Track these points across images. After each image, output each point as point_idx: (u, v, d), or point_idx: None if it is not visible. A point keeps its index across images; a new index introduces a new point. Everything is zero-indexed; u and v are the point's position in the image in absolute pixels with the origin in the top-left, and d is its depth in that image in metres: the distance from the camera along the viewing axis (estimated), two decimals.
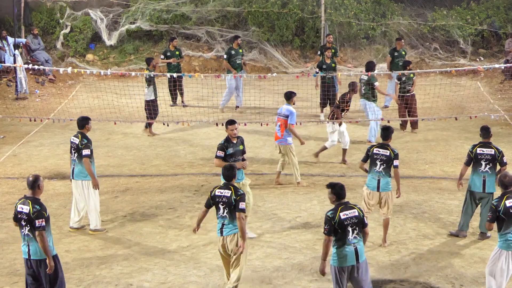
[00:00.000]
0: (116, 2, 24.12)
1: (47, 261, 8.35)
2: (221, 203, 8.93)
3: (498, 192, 9.09)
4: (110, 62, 23.57)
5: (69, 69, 17.09)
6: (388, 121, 15.57)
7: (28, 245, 8.44)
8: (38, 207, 8.32)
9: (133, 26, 23.61)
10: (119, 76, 21.08)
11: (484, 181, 10.93)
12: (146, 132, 17.37)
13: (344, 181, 13.62)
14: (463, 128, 17.37)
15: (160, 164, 15.22)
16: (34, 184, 8.47)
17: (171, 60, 19.41)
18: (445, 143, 16.50)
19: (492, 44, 24.02)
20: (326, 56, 18.24)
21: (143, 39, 24.24)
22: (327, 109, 18.30)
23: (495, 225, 8.87)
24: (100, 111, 18.44)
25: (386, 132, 10.83)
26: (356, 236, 8.28)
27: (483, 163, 10.92)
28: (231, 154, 10.90)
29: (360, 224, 8.31)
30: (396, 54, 19.05)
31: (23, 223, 8.41)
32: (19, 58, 20.68)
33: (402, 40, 19.95)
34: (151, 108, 17.04)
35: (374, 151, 10.69)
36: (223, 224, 8.98)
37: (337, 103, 15.26)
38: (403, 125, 17.33)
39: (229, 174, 9.10)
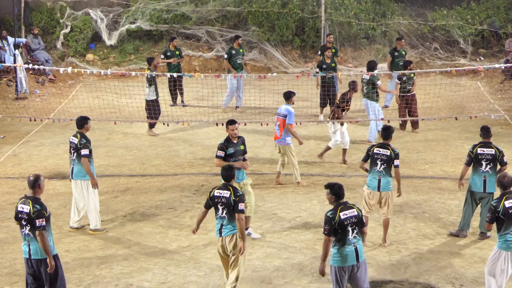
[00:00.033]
0: (116, 2, 24.12)
1: (47, 260, 8.35)
2: (220, 203, 8.91)
3: (498, 192, 9.08)
4: (110, 62, 23.57)
5: (69, 69, 17.10)
6: (388, 121, 15.59)
7: (29, 245, 8.44)
8: (38, 206, 8.32)
9: (133, 26, 23.61)
10: (119, 76, 21.08)
11: (484, 181, 10.93)
12: (151, 132, 17.37)
13: (344, 181, 13.66)
14: (463, 128, 17.37)
15: (160, 164, 15.22)
16: (35, 183, 8.47)
17: (171, 60, 19.40)
18: (445, 143, 16.50)
19: (492, 44, 24.02)
20: (326, 56, 18.24)
21: (143, 39, 24.24)
22: (327, 109, 18.31)
23: (494, 226, 8.88)
24: (100, 111, 18.44)
25: (387, 132, 10.84)
26: (356, 235, 8.30)
27: (484, 163, 10.92)
28: (231, 154, 10.90)
29: (359, 223, 8.33)
30: (396, 54, 19.05)
31: (24, 223, 8.41)
32: (19, 58, 20.68)
33: (403, 40, 19.95)
34: (152, 108, 17.03)
35: (375, 151, 10.69)
36: (222, 225, 8.97)
37: (338, 102, 15.24)
38: (402, 125, 17.33)
39: (228, 174, 9.08)
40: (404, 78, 16.90)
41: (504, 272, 8.75)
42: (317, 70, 18.18)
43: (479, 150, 10.96)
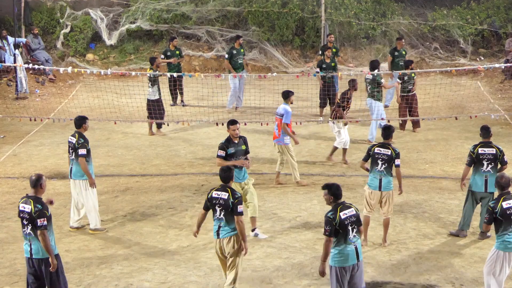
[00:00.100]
0: (116, 1, 24.12)
1: (49, 260, 8.36)
2: (218, 205, 8.86)
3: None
4: (110, 62, 23.57)
5: (69, 69, 17.11)
6: (388, 121, 15.58)
7: (30, 244, 8.44)
8: (39, 206, 8.32)
9: (133, 26, 23.61)
10: (119, 75, 21.08)
11: (486, 181, 10.91)
12: (159, 132, 17.38)
13: (344, 181, 13.68)
14: (463, 128, 17.37)
15: (160, 164, 15.22)
16: (37, 183, 8.48)
17: (171, 60, 19.39)
18: (445, 142, 16.50)
19: (492, 43, 24.02)
20: (326, 56, 18.25)
21: (143, 38, 24.24)
22: (327, 109, 18.32)
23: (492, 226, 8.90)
24: (100, 110, 18.44)
25: (387, 131, 10.84)
26: (355, 234, 8.34)
27: (485, 163, 10.91)
28: (232, 153, 10.89)
29: (358, 222, 8.38)
30: (396, 53, 19.04)
31: (25, 222, 8.42)
32: (19, 58, 20.68)
33: (403, 40, 19.95)
34: (156, 108, 17.04)
35: (376, 151, 10.69)
36: (219, 226, 8.91)
37: (338, 102, 15.22)
38: (402, 125, 17.32)
39: (226, 175, 9.02)
40: (405, 78, 16.90)
41: (503, 272, 8.75)
42: (317, 70, 18.18)
43: (480, 150, 10.96)
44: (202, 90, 19.22)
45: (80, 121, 11.47)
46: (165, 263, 10.34)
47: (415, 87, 17.14)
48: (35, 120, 16.59)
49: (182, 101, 19.87)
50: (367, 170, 10.90)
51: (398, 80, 17.09)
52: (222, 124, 15.61)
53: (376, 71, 16.30)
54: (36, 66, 18.99)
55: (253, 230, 11.17)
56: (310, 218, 11.97)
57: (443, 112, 18.26)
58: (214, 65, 23.69)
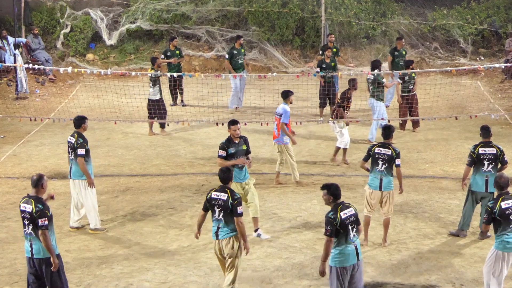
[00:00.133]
0: (116, 1, 24.12)
1: (51, 259, 8.37)
2: (217, 206, 8.83)
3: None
4: (110, 62, 23.57)
5: (69, 69, 17.11)
6: (388, 120, 15.58)
7: (31, 244, 8.45)
8: (41, 206, 8.33)
9: (133, 26, 23.61)
10: (119, 75, 21.07)
11: (486, 181, 10.90)
12: (163, 132, 17.39)
13: (344, 181, 13.69)
14: (463, 128, 17.38)
15: (160, 164, 15.22)
16: (38, 183, 8.48)
17: (172, 60, 19.38)
18: (445, 142, 16.50)
19: (492, 43, 24.02)
20: (326, 56, 18.25)
21: (143, 38, 24.25)
22: (327, 109, 18.32)
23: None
24: (100, 110, 18.44)
25: (388, 131, 10.84)
26: (355, 234, 8.36)
27: (486, 163, 10.91)
28: (232, 153, 10.89)
29: (357, 221, 8.40)
30: (396, 53, 19.04)
31: (26, 222, 8.42)
32: (19, 58, 20.68)
33: (403, 40, 19.94)
34: (157, 108, 17.06)
35: (376, 151, 10.69)
36: (218, 227, 8.88)
37: (338, 102, 15.20)
38: (402, 125, 17.32)
39: (225, 176, 9.00)
40: (406, 78, 16.89)
41: (502, 272, 8.75)
42: (318, 69, 18.17)
43: (481, 150, 10.95)
44: (202, 90, 19.23)
45: (79, 121, 11.48)
46: (165, 263, 10.34)
47: (416, 87, 17.14)
48: (35, 120, 16.59)
49: (182, 101, 19.87)
50: (367, 170, 10.91)
51: (399, 80, 17.10)
52: (222, 124, 15.62)
53: (376, 70, 16.30)
54: (36, 66, 18.98)
55: (256, 231, 11.16)
56: (310, 218, 11.97)
57: (443, 112, 18.26)
58: (214, 65, 23.69)
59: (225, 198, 8.80)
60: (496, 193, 9.09)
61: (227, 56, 19.39)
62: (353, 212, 8.35)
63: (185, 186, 13.77)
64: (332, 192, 8.34)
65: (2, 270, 10.21)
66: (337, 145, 14.94)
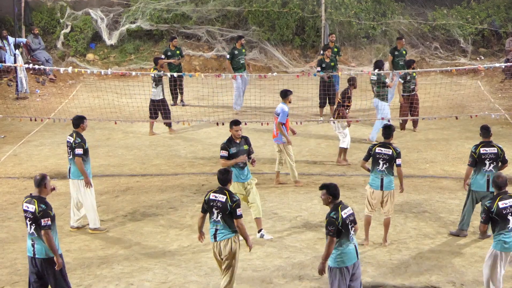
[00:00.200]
0: (116, 1, 24.12)
1: (54, 259, 8.37)
2: (215, 207, 8.80)
3: None
4: (110, 62, 23.57)
5: (70, 69, 17.11)
6: (389, 120, 15.58)
7: (33, 244, 8.45)
8: (43, 206, 8.33)
9: (133, 26, 23.61)
10: (120, 75, 21.07)
11: (488, 180, 10.88)
12: (172, 132, 17.39)
13: (345, 181, 13.69)
14: (463, 127, 17.38)
15: (160, 164, 15.22)
16: (41, 182, 8.49)
17: (172, 60, 19.37)
18: (446, 142, 16.50)
19: (493, 43, 24.02)
20: (326, 56, 18.25)
21: (143, 38, 24.25)
22: (327, 109, 18.32)
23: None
24: (100, 110, 18.44)
25: (388, 130, 10.84)
26: (354, 233, 8.39)
27: (487, 163, 10.90)
28: (234, 154, 10.88)
29: (355, 220, 8.44)
30: (396, 53, 19.03)
31: (29, 222, 8.42)
32: (19, 58, 20.68)
33: (403, 39, 19.93)
34: (161, 108, 17.06)
35: (377, 150, 10.69)
36: (216, 229, 8.85)
37: (339, 101, 15.18)
38: (402, 125, 17.31)
39: (224, 178, 8.96)
40: (408, 78, 16.89)
41: (500, 271, 8.76)
42: (318, 69, 18.15)
43: (482, 150, 10.94)
44: (203, 90, 19.23)
45: (78, 121, 11.48)
46: (166, 263, 10.34)
47: (417, 87, 17.15)
48: (35, 120, 16.59)
49: (182, 100, 19.87)
50: (368, 170, 10.91)
51: (400, 80, 17.09)
52: (223, 124, 15.63)
53: (376, 70, 16.30)
54: (37, 66, 18.99)
55: (259, 231, 11.16)
56: (310, 218, 11.97)
57: (444, 111, 18.26)
58: (214, 65, 23.69)
59: (223, 200, 8.78)
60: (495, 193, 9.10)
61: (228, 56, 19.35)
62: (352, 211, 8.41)
63: (185, 186, 13.77)
64: (331, 192, 8.36)
65: (3, 270, 10.21)
66: (340, 146, 14.91)
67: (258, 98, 17.75)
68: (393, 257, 10.47)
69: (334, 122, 14.86)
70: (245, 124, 15.26)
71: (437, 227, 11.60)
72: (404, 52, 19.23)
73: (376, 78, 16.16)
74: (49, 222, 8.28)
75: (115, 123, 16.76)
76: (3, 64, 19.36)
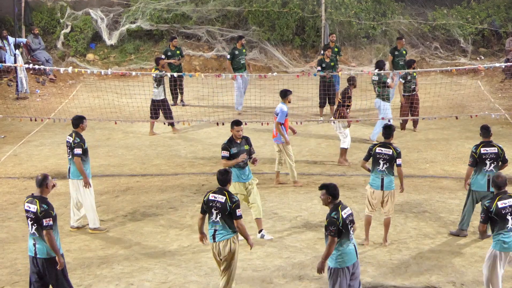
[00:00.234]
0: (116, 1, 24.12)
1: (55, 259, 8.37)
2: (214, 208, 8.78)
3: None
4: (110, 62, 23.57)
5: (70, 69, 17.12)
6: (389, 120, 15.58)
7: (35, 244, 8.45)
8: (45, 206, 8.33)
9: (133, 26, 23.61)
10: (120, 75, 21.07)
11: (488, 180, 10.87)
12: (175, 131, 17.40)
13: (345, 181, 13.69)
14: (463, 127, 17.38)
15: (160, 164, 15.22)
16: (43, 182, 8.49)
17: (172, 61, 19.36)
18: (446, 142, 16.50)
19: (493, 43, 24.02)
20: (326, 55, 18.24)
21: (143, 38, 24.25)
22: (327, 109, 18.31)
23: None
24: (100, 110, 18.44)
25: (388, 130, 10.85)
26: (352, 233, 8.39)
27: (488, 163, 10.90)
28: (235, 154, 10.87)
29: (353, 220, 8.44)
30: (396, 53, 19.03)
31: (30, 222, 8.43)
32: (19, 58, 20.68)
33: (403, 39, 19.93)
34: (163, 108, 17.06)
35: (377, 150, 10.69)
36: (215, 230, 8.83)
37: (340, 101, 15.17)
38: (403, 125, 17.30)
39: (224, 178, 8.94)
40: (409, 78, 16.88)
41: (500, 272, 8.75)
42: (319, 68, 18.14)
43: (483, 150, 10.94)
44: (203, 90, 19.23)
45: (77, 121, 11.49)
46: (166, 263, 10.34)
47: (418, 86, 17.15)
48: (35, 120, 16.59)
49: (181, 100, 19.87)
50: (368, 170, 10.91)
51: (401, 80, 17.08)
52: (223, 124, 15.64)
53: (376, 70, 16.29)
54: (37, 66, 18.99)
55: (260, 232, 11.15)
56: (310, 218, 11.97)
57: (444, 111, 18.26)
58: (214, 65, 23.69)
59: (223, 201, 8.77)
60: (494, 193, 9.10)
61: (228, 56, 19.33)
62: (351, 211, 8.43)
63: (185, 186, 13.77)
64: (331, 192, 8.36)
65: (3, 270, 10.21)
66: (341, 146, 14.89)
67: (258, 98, 17.75)
68: (393, 257, 10.47)
69: (334, 122, 14.86)
70: (245, 124, 15.26)
71: (437, 227, 11.60)
72: (404, 52, 19.23)
73: (377, 79, 16.15)
74: (51, 222, 8.28)
75: (115, 123, 16.76)
76: (3, 64, 19.35)
